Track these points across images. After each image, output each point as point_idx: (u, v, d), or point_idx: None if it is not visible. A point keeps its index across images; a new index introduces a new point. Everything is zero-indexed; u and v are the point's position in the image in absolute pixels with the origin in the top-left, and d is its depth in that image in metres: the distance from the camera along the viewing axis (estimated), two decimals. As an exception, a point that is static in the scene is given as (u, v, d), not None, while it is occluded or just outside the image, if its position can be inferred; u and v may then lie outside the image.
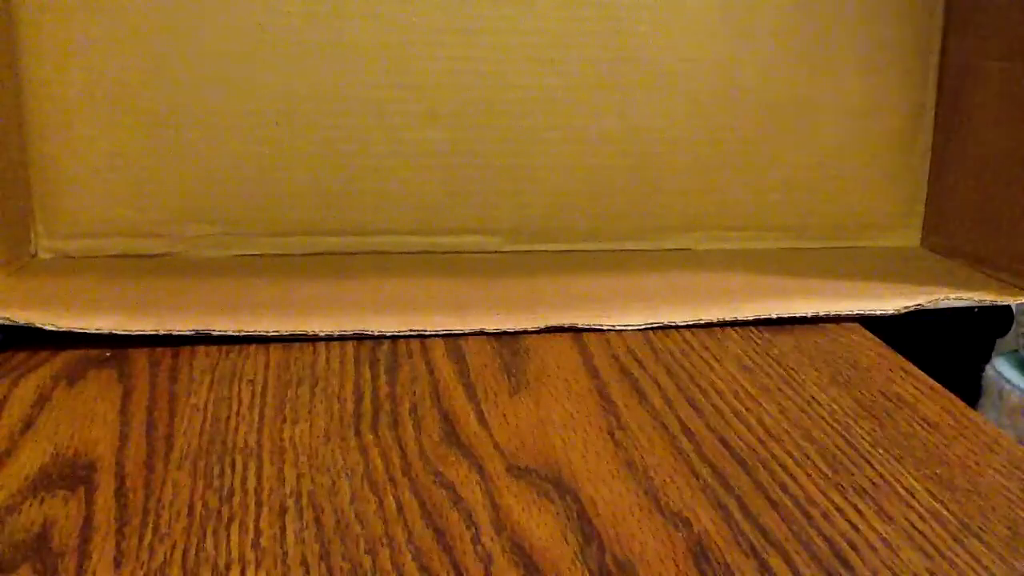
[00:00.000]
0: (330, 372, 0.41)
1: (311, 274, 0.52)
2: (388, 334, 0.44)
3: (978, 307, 0.48)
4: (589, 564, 0.28)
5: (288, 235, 0.55)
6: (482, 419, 0.37)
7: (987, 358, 0.57)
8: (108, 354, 0.42)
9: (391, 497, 0.32)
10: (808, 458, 0.35)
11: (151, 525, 0.29)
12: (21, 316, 0.42)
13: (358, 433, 0.36)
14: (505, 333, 0.45)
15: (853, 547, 0.29)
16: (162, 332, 0.42)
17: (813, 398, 0.40)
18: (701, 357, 0.43)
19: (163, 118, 0.52)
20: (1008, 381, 0.58)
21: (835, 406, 0.39)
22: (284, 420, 0.36)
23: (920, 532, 0.30)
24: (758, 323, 0.47)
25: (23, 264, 0.51)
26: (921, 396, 0.40)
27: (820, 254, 0.58)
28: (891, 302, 0.47)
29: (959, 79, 0.55)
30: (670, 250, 0.58)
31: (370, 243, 0.55)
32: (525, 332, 0.45)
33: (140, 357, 0.41)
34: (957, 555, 0.29)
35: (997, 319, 0.52)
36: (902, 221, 0.59)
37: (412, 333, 0.44)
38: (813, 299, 0.48)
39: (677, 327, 0.46)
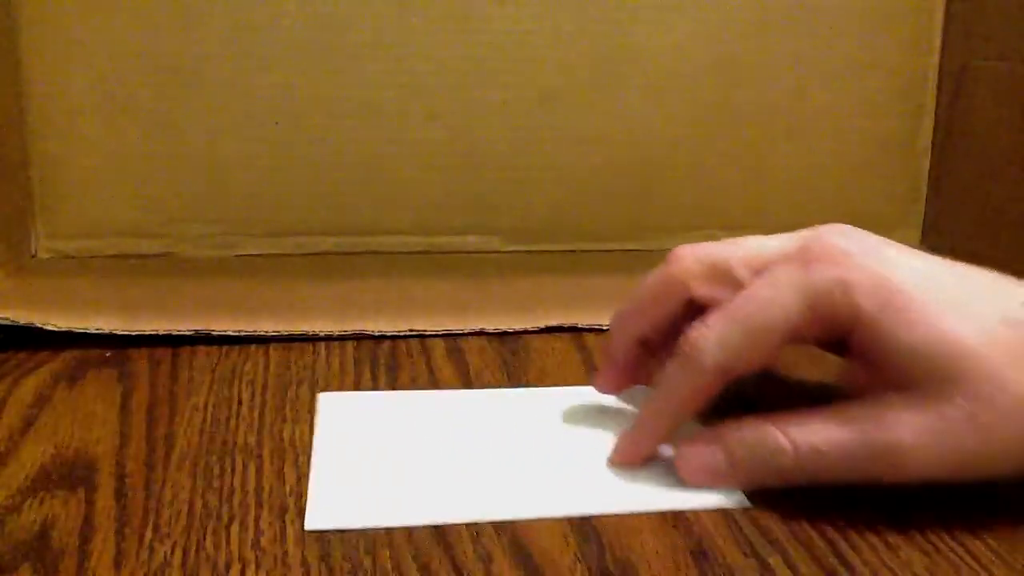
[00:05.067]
0: (330, 372, 0.41)
1: (311, 274, 0.52)
2: (388, 334, 0.44)
3: (978, 307, 0.48)
4: (589, 564, 0.28)
5: (288, 235, 0.55)
6: (482, 419, 0.37)
7: (987, 358, 0.57)
8: (108, 354, 0.42)
9: (391, 497, 0.32)
10: (808, 458, 0.34)
11: (151, 525, 0.29)
12: (21, 316, 0.42)
13: (358, 433, 0.36)
14: (505, 333, 0.45)
15: (853, 547, 0.29)
16: (162, 332, 0.42)
17: (813, 398, 0.39)
18: (701, 357, 0.43)
19: (163, 118, 0.52)
20: (1008, 381, 0.58)
21: (835, 406, 0.39)
22: (284, 420, 0.36)
23: (920, 532, 0.30)
24: (758, 323, 0.47)
25: (23, 264, 0.51)
26: (921, 396, 0.40)
27: (820, 254, 0.58)
28: (891, 302, 0.47)
29: (959, 79, 0.55)
30: (670, 250, 0.57)
31: (370, 243, 0.55)
32: (525, 332, 0.45)
33: (140, 357, 0.41)
34: (957, 555, 0.29)
35: (997, 319, 0.52)
36: (902, 221, 0.59)
37: (412, 333, 0.44)
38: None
39: (677, 327, 0.46)
